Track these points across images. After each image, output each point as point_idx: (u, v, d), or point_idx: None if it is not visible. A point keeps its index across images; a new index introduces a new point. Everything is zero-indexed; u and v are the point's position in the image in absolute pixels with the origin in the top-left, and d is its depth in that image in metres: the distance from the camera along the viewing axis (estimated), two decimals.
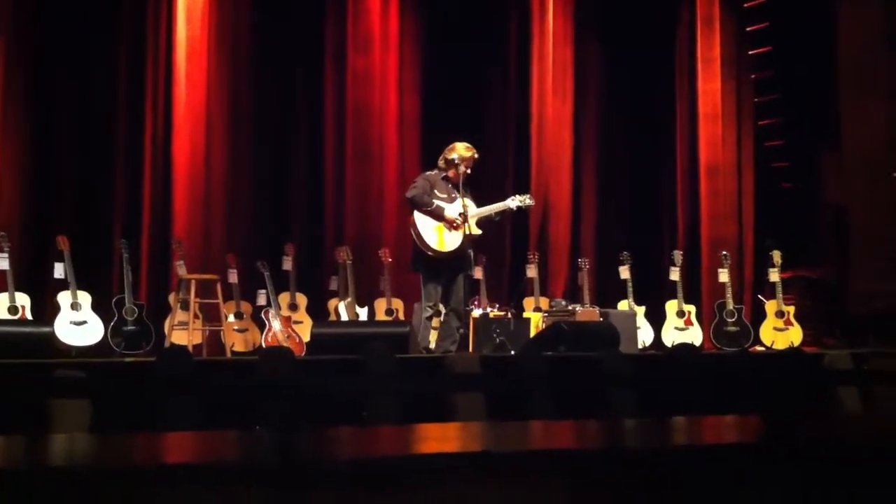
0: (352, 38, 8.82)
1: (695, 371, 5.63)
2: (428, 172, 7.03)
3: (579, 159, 9.48)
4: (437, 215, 6.74)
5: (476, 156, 6.93)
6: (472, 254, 6.84)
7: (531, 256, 8.59)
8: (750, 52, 9.76)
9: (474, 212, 6.81)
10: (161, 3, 8.28)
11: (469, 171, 6.87)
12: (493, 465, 2.14)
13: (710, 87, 9.54)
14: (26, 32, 7.92)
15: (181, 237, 7.91)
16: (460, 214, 6.70)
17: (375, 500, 2.02)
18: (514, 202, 6.93)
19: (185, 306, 7.47)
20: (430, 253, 6.73)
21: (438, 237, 6.72)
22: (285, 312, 7.91)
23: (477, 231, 6.80)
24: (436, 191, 6.84)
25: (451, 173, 6.88)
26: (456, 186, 6.88)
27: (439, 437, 2.75)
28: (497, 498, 2.08)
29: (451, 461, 2.14)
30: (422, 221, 6.75)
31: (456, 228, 6.71)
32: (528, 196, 7.06)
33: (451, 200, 6.83)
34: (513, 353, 6.77)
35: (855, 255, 8.71)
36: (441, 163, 6.96)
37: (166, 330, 7.51)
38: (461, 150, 6.89)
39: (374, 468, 2.08)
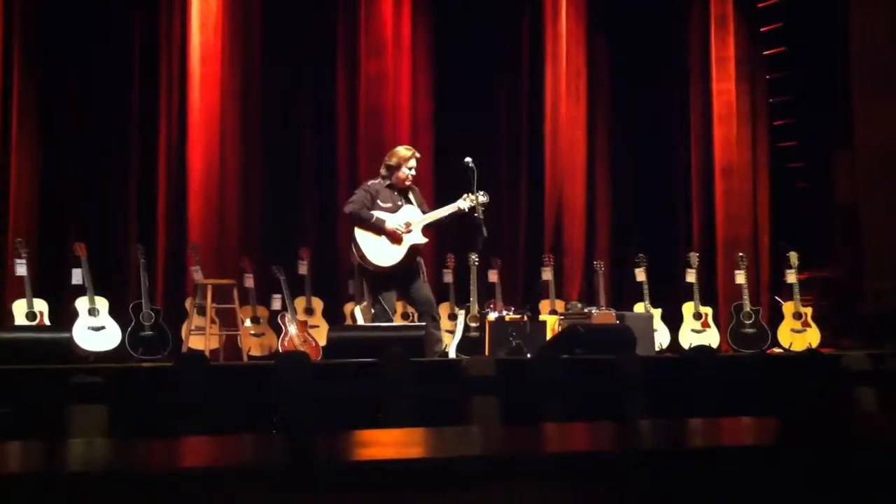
0: (364, 42, 8.82)
1: (712, 373, 5.61)
2: (370, 182, 6.79)
3: (593, 161, 9.46)
4: (378, 228, 6.54)
5: (417, 155, 6.75)
6: (421, 262, 6.71)
7: (546, 259, 8.58)
8: (764, 53, 9.72)
9: (420, 218, 6.65)
10: (174, 9, 8.31)
11: (414, 172, 6.70)
12: (510, 469, 2.13)
13: (725, 88, 9.50)
14: (39, 39, 7.96)
15: (196, 242, 7.94)
16: (404, 223, 6.57)
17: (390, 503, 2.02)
18: (465, 203, 6.61)
19: (201, 311, 7.50)
20: (370, 268, 6.59)
21: (380, 251, 6.55)
22: (301, 317, 7.93)
23: (422, 240, 6.64)
24: (378, 201, 6.62)
25: (394, 179, 6.68)
26: (402, 193, 6.71)
27: (455, 441, 2.75)
28: (513, 502, 2.08)
29: (467, 465, 2.14)
30: (362, 236, 6.57)
31: (398, 241, 6.56)
32: (482, 193, 6.64)
33: (396, 209, 6.64)
34: (529, 356, 6.75)
35: (869, 254, 8.67)
36: (383, 170, 6.74)
37: (183, 335, 7.53)
38: (401, 152, 6.72)
39: (390, 471, 2.08)
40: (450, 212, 6.69)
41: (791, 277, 8.55)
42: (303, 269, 8.07)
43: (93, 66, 8.14)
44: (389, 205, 6.65)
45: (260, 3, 8.65)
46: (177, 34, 8.30)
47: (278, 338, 7.81)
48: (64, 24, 8.03)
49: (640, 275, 8.52)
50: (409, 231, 6.58)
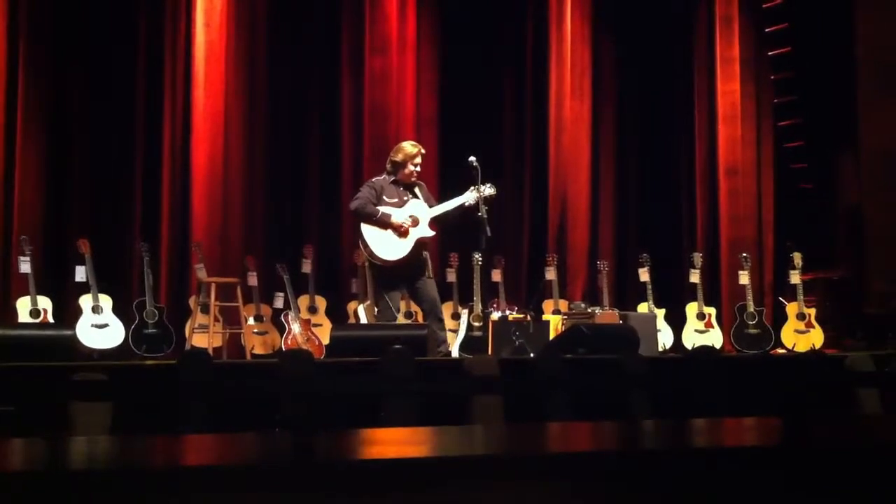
0: (369, 40, 8.82)
1: (715, 374, 5.60)
2: (375, 178, 6.81)
3: (597, 160, 9.45)
4: (384, 223, 6.54)
5: (423, 151, 6.76)
6: (427, 257, 6.70)
7: (550, 258, 8.57)
8: (769, 53, 9.71)
9: (427, 212, 6.66)
10: (180, 9, 8.32)
11: (419, 168, 6.71)
12: (512, 468, 2.13)
13: (730, 88, 9.49)
14: (45, 36, 7.97)
15: (200, 240, 7.95)
16: (410, 217, 6.57)
17: (391, 502, 2.02)
18: (471, 195, 6.63)
19: (205, 309, 7.50)
20: (378, 263, 6.57)
21: (387, 245, 6.54)
22: (305, 315, 7.93)
23: (429, 233, 6.65)
24: (384, 196, 6.64)
25: (399, 175, 6.70)
26: (409, 188, 6.72)
27: (458, 440, 2.75)
28: (516, 500, 2.08)
29: (470, 464, 2.14)
30: (369, 232, 6.56)
31: (404, 234, 6.56)
32: (488, 185, 6.66)
33: (402, 204, 6.65)
34: (532, 355, 6.75)
35: (873, 255, 8.66)
36: (388, 166, 6.76)
37: (187, 333, 7.54)
38: (406, 148, 6.74)
39: (392, 470, 2.08)
40: (456, 204, 6.69)
41: (795, 278, 8.53)
42: (306, 267, 8.07)
43: (98, 64, 8.15)
44: (395, 200, 6.66)
45: (264, 2, 8.65)
46: (182, 33, 8.31)
47: (282, 336, 7.81)
48: (69, 22, 8.04)
49: (644, 275, 8.51)
50: (415, 225, 6.58)
